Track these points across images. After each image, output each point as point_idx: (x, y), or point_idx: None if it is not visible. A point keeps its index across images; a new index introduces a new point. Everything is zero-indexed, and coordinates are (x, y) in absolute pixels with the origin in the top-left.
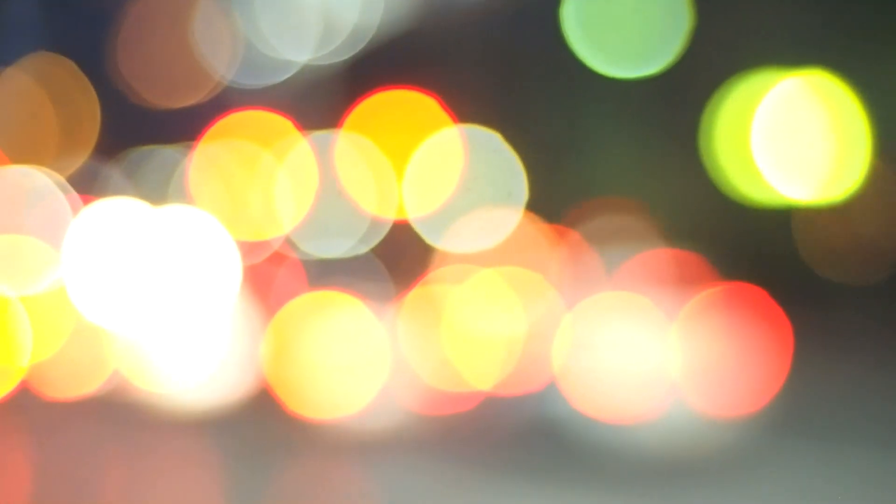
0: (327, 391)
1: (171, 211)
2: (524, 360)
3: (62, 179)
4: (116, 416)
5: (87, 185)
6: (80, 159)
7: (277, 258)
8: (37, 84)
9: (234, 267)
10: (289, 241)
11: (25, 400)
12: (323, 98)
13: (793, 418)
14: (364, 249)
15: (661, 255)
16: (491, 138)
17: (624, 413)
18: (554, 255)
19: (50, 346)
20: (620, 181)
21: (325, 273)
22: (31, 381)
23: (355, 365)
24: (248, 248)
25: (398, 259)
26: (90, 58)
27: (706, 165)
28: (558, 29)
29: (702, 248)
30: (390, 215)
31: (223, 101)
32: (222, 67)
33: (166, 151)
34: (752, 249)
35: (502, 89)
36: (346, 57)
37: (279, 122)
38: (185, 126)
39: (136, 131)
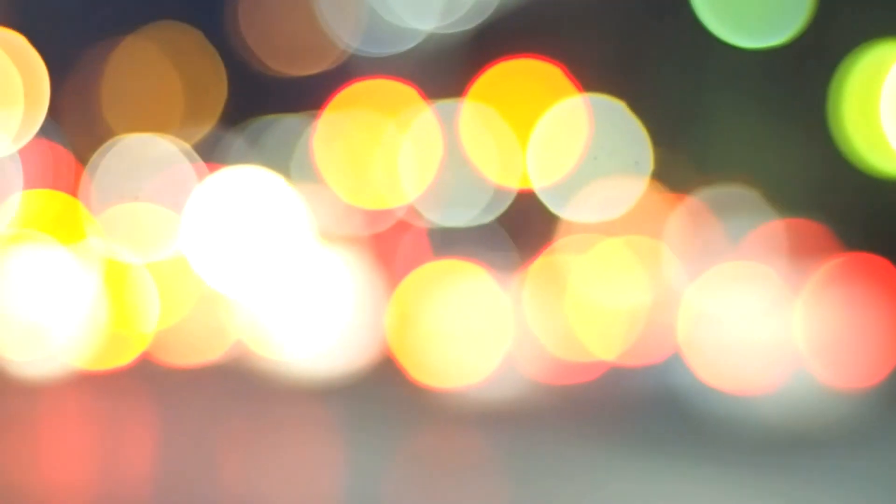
0: (451, 360)
1: (293, 182)
2: (647, 331)
3: (188, 147)
4: (239, 385)
5: (211, 154)
6: (205, 128)
7: (402, 227)
8: (162, 52)
9: (357, 236)
10: (413, 210)
11: (149, 368)
12: (447, 67)
13: None
14: (488, 219)
15: (785, 226)
16: (616, 108)
17: (746, 384)
18: (678, 226)
19: (174, 313)
20: (745, 151)
21: (450, 242)
22: (154, 348)
23: (479, 334)
24: (372, 217)
25: (522, 229)
26: (215, 26)
27: (833, 136)
28: None
29: (826, 218)
30: (514, 185)
31: (347, 70)
32: (347, 36)
33: (290, 120)
34: (877, 220)
35: (627, 58)
36: (470, 26)
37: (404, 92)
38: (309, 95)
39: (260, 100)
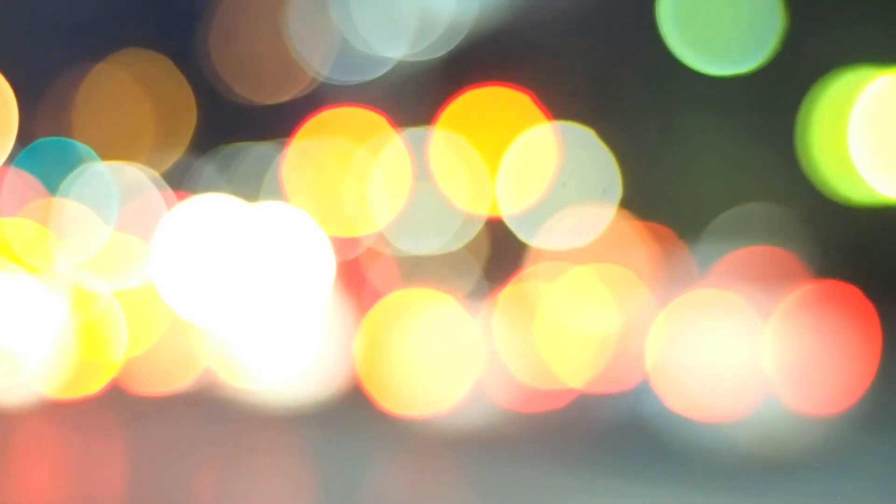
0: (420, 388)
1: (264, 208)
2: (617, 358)
3: (157, 175)
4: (208, 413)
5: (181, 182)
6: (174, 155)
7: (371, 255)
8: (131, 79)
9: (327, 263)
10: (382, 238)
11: (118, 395)
12: (417, 94)
13: (882, 416)
14: (457, 246)
15: (755, 253)
16: (585, 135)
17: (716, 411)
18: (647, 253)
19: (143, 341)
20: (715, 179)
21: (418, 270)
22: (123, 376)
23: (448, 362)
24: (341, 245)
25: (491, 256)
26: (184, 54)
27: (802, 163)
28: (653, 25)
29: (796, 245)
30: (484, 212)
31: (317, 98)
32: (317, 63)
33: (260, 148)
34: (846, 248)
35: (597, 86)
36: (440, 53)
37: (373, 119)
38: (279, 123)
39: (230, 128)
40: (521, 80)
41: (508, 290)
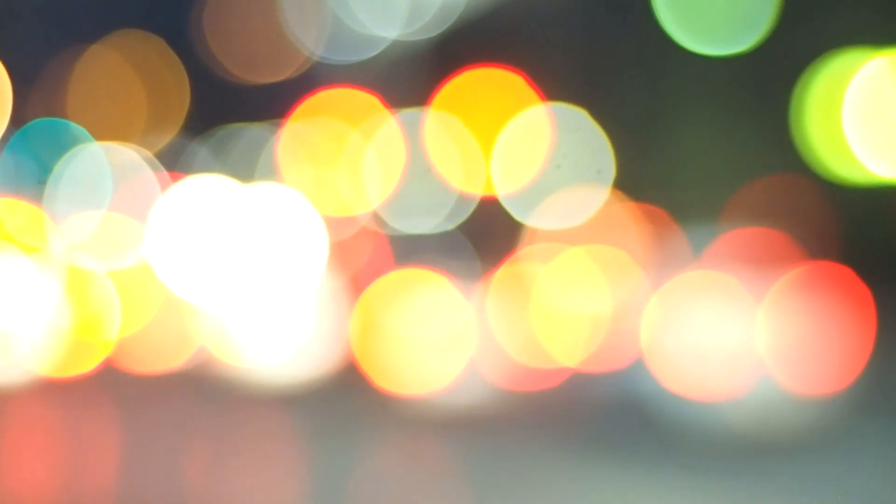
0: (414, 367)
1: (258, 189)
2: (611, 338)
3: (150, 156)
4: (202, 392)
5: (175, 163)
6: (168, 136)
7: (365, 234)
8: (125, 61)
9: (321, 243)
10: (376, 218)
11: (112, 375)
12: (411, 75)
13: (876, 397)
14: (451, 226)
15: (748, 234)
16: (579, 116)
17: (711, 391)
18: (641, 235)
19: (137, 320)
20: (708, 160)
21: (413, 250)
22: (117, 355)
23: (442, 341)
24: (335, 224)
25: (486, 236)
26: (178, 34)
27: (796, 144)
28: (647, 5)
29: (789, 227)
30: (478, 192)
31: (312, 78)
32: (311, 43)
33: (254, 129)
34: (840, 228)
35: (590, 67)
36: (434, 34)
37: (367, 100)
38: (273, 104)
39: (224, 109)
40: (514, 60)
41: (503, 270)
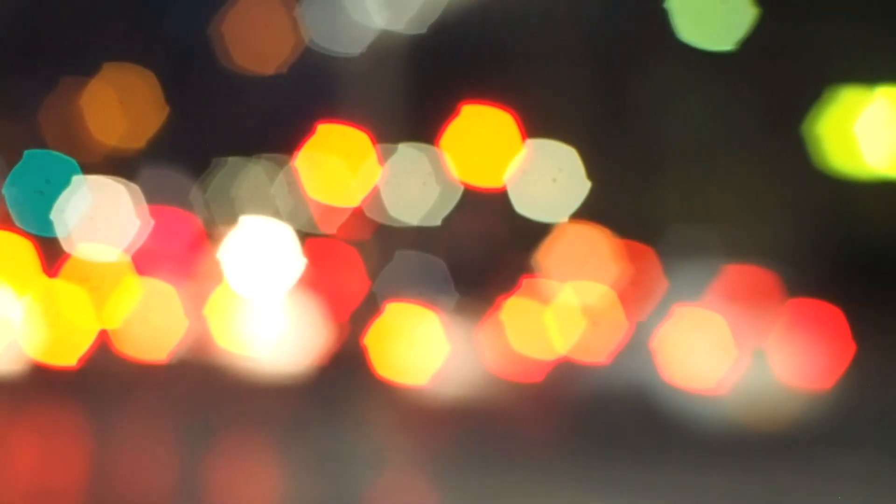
0: (411, 356)
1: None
2: (604, 328)
3: (137, 189)
4: (197, 379)
5: (161, 195)
6: (155, 169)
7: (355, 225)
8: (115, 94)
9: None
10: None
11: (105, 361)
12: (403, 107)
13: (867, 391)
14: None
15: (737, 271)
16: (566, 152)
17: (706, 382)
18: (626, 271)
19: (130, 307)
20: (697, 200)
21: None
22: (111, 342)
23: (436, 331)
24: (327, 214)
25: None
26: (172, 68)
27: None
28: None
29: (778, 265)
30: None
31: (310, 77)
32: (307, 31)
33: (244, 161)
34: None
35: (583, 106)
36: (423, 28)
37: (358, 137)
38: (267, 139)
39: (213, 142)
40: (503, 62)
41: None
